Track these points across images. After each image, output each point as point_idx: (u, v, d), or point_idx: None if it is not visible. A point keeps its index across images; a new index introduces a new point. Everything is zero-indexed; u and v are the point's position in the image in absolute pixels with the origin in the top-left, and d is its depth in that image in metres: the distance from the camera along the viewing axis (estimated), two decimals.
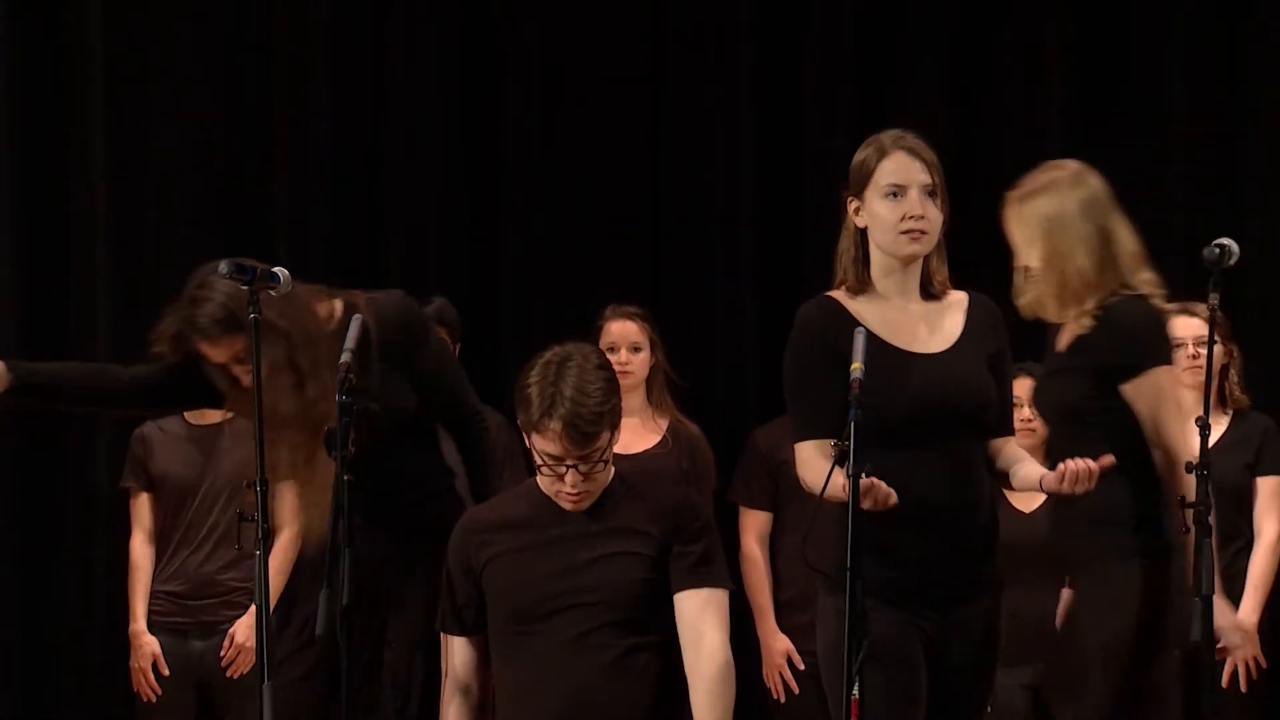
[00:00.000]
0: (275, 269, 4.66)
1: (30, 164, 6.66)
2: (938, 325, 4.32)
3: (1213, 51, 6.77)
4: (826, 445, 4.10)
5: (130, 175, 6.71)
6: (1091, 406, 4.67)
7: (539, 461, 4.29)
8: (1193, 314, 5.88)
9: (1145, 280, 4.76)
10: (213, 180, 6.77)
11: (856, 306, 4.30)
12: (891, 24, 6.90)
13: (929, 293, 4.35)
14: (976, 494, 4.32)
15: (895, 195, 4.25)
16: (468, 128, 6.77)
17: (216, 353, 4.65)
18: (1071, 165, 4.78)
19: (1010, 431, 4.44)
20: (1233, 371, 6.06)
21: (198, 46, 6.81)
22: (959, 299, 4.38)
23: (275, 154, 6.83)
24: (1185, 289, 5.86)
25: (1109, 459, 4.19)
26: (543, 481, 4.32)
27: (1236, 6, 6.79)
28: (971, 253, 6.45)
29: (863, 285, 4.32)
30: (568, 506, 4.31)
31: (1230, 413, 6.06)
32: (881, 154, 4.28)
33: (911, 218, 4.24)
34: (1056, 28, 6.84)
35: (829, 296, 4.36)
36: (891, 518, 4.04)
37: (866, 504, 3.98)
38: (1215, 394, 5.87)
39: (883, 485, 3.98)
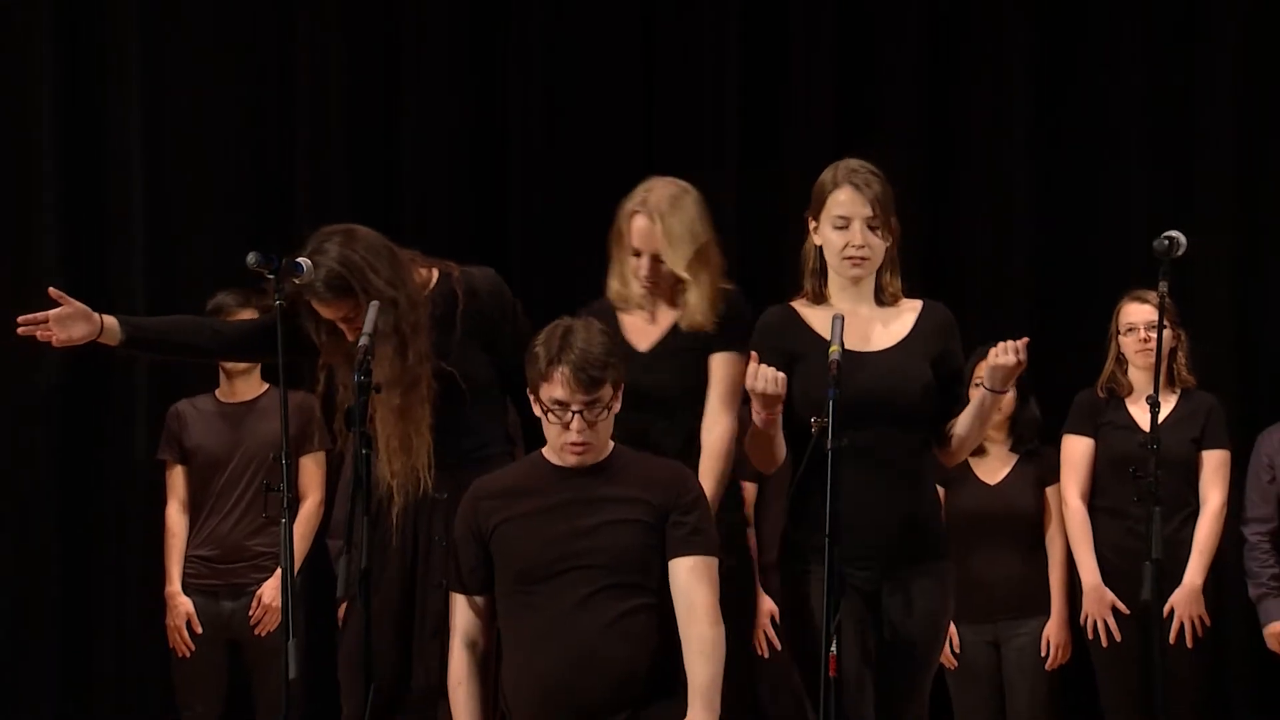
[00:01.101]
0: (299, 259, 4.69)
1: (73, 159, 6.65)
2: (887, 327, 4.45)
3: (1163, 67, 6.75)
4: None
5: (163, 169, 6.70)
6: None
7: (546, 410, 4.29)
8: (1144, 300, 5.89)
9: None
10: (240, 172, 6.76)
11: (810, 314, 4.47)
12: (868, 29, 6.86)
13: (881, 301, 4.49)
14: (916, 472, 4.42)
15: (842, 226, 4.40)
16: (475, 132, 6.74)
17: (327, 311, 4.65)
18: (682, 183, 4.81)
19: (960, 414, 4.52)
20: (1180, 354, 6.06)
21: (223, 48, 6.79)
22: (913, 305, 4.52)
23: (295, 147, 6.81)
24: (1138, 277, 5.90)
25: (1025, 338, 4.36)
26: (549, 433, 4.32)
27: (1185, 22, 6.77)
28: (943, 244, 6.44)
29: (820, 295, 4.48)
30: (571, 459, 4.31)
31: (1178, 392, 6.06)
32: (835, 185, 4.43)
33: (854, 246, 4.40)
34: (1022, 36, 6.82)
35: (788, 305, 4.52)
36: (839, 489, 4.13)
37: (758, 386, 4.16)
38: (1164, 374, 5.89)
39: (769, 369, 4.17)
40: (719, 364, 4.73)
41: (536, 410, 4.35)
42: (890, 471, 4.33)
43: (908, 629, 4.37)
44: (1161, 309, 5.25)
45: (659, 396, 4.63)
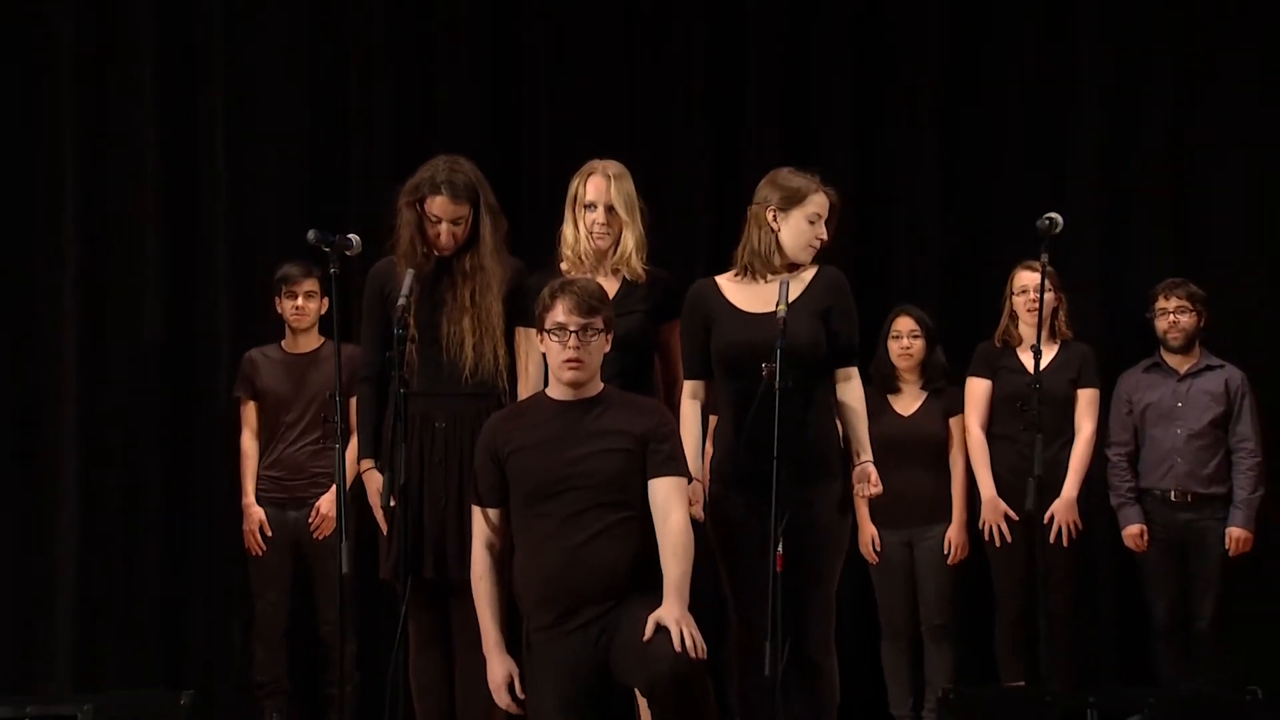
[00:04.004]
0: (350, 235, 4.69)
1: (171, 166, 6.59)
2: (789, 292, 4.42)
3: (1040, 89, 6.75)
4: (697, 384, 4.52)
5: (243, 169, 6.65)
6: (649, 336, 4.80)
7: (550, 333, 4.26)
8: (1033, 269, 5.90)
9: None
10: (301, 172, 6.70)
11: (729, 287, 4.51)
12: (807, 68, 6.83)
13: (792, 268, 4.52)
14: (810, 408, 4.39)
15: (815, 222, 4.49)
16: (495, 143, 6.66)
17: (442, 208, 4.63)
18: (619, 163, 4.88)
19: (847, 363, 4.51)
20: (1061, 312, 6.09)
21: (289, 73, 6.72)
22: (811, 271, 4.53)
23: (348, 154, 6.74)
24: (1025, 250, 5.90)
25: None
26: (551, 355, 4.30)
27: (1060, 47, 6.76)
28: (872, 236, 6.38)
29: (760, 271, 4.49)
30: (567, 374, 4.28)
31: (1059, 342, 6.07)
32: (814, 190, 4.51)
33: (818, 239, 4.51)
34: (931, 63, 6.80)
35: (709, 280, 4.58)
36: (748, 428, 4.26)
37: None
38: (1048, 328, 5.91)
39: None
40: (668, 332, 4.74)
41: (543, 346, 4.33)
42: (794, 409, 4.27)
43: (806, 536, 4.30)
44: (1043, 275, 5.27)
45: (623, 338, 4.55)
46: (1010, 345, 6.08)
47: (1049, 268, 5.28)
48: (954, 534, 6.07)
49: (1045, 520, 5.80)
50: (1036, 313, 5.76)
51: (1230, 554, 5.92)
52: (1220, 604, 5.97)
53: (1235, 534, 5.91)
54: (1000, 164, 6.73)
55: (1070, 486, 5.94)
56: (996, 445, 6.03)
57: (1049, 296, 5.85)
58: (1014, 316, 6.07)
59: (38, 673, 6.32)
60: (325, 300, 6.08)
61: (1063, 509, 5.91)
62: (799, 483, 4.25)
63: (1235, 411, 6.01)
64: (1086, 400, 6.03)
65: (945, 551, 6.07)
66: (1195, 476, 5.98)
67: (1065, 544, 5.89)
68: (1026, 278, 5.98)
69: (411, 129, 6.69)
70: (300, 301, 6.09)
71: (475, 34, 6.80)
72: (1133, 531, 6.02)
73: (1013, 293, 6.04)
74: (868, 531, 6.12)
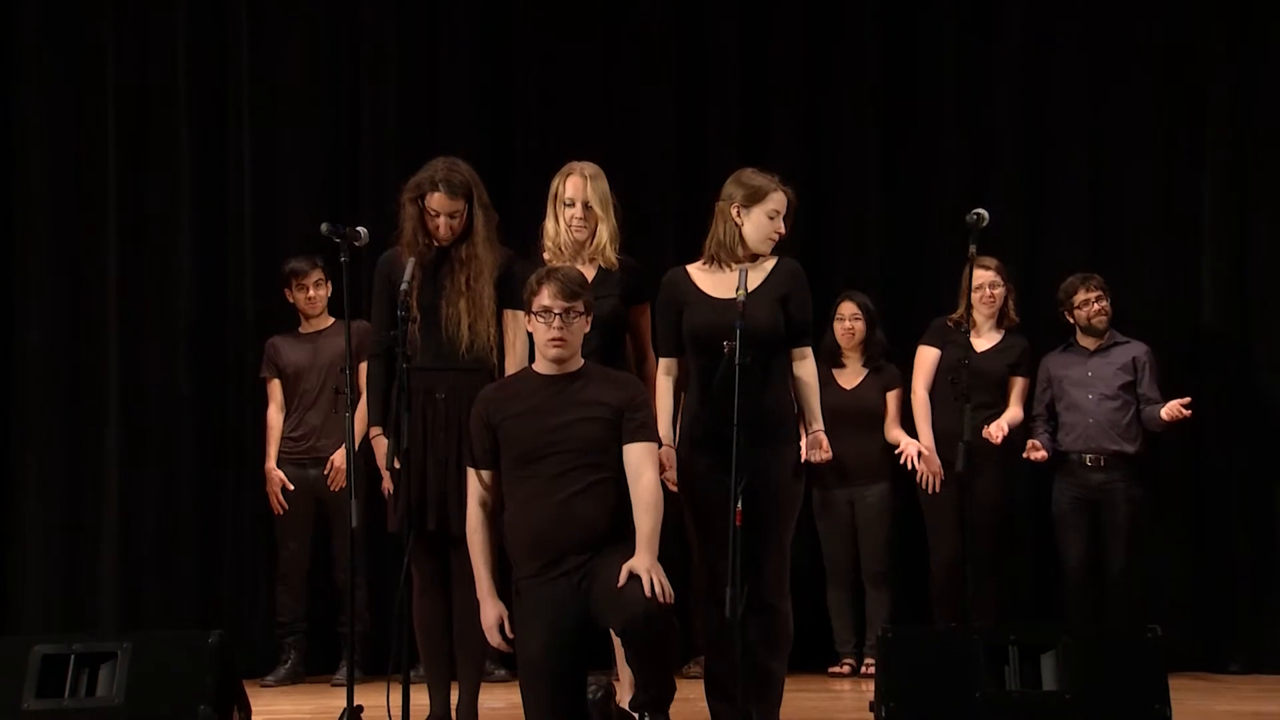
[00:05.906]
0: (359, 228, 4.66)
1: (202, 161, 6.60)
2: (751, 280, 4.37)
3: (969, 102, 6.74)
4: (671, 361, 4.46)
5: (265, 170, 6.63)
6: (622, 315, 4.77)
7: (536, 316, 4.24)
8: (986, 267, 6.00)
9: None
10: (317, 172, 6.69)
11: (698, 274, 4.48)
12: (762, 81, 6.82)
13: (754, 259, 4.48)
14: (769, 382, 4.36)
15: (774, 217, 4.44)
16: (488, 145, 6.63)
17: (440, 203, 4.58)
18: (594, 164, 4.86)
19: (802, 343, 4.47)
20: (1010, 301, 6.13)
21: (307, 84, 6.71)
22: (771, 261, 4.50)
23: (358, 156, 6.72)
24: (956, 240, 5.89)
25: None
26: (537, 335, 4.28)
27: (984, 55, 6.76)
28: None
29: (726, 262, 4.43)
30: (551, 352, 4.27)
31: (1005, 330, 6.14)
32: (774, 189, 4.45)
33: (777, 232, 4.46)
34: (871, 74, 6.81)
35: (682, 268, 4.52)
36: (711, 399, 4.22)
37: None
38: (995, 316, 6.06)
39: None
40: (638, 314, 4.73)
41: (529, 326, 4.32)
42: (754, 382, 4.22)
43: (763, 494, 4.25)
44: (970, 264, 5.27)
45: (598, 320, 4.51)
46: (963, 328, 6.08)
47: (991, 258, 5.42)
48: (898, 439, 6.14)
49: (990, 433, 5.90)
50: (992, 305, 6.00)
51: (1166, 416, 5.92)
52: (1127, 555, 6.01)
53: (1169, 404, 5.93)
54: (934, 165, 6.74)
55: (1009, 411, 6.03)
56: (936, 408, 6.06)
57: (1000, 290, 6.01)
58: (971, 308, 6.06)
59: (84, 615, 6.36)
60: (329, 284, 6.15)
61: (1002, 420, 5.97)
62: (756, 446, 4.23)
63: (1141, 377, 6.08)
64: (1021, 386, 6.11)
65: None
66: (1107, 434, 6.03)
67: (996, 441, 5.90)
68: (980, 276, 5.99)
69: (414, 133, 6.67)
70: (311, 292, 6.20)
71: (471, 47, 6.78)
72: (1033, 444, 6.02)
73: (970, 289, 6.03)
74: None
